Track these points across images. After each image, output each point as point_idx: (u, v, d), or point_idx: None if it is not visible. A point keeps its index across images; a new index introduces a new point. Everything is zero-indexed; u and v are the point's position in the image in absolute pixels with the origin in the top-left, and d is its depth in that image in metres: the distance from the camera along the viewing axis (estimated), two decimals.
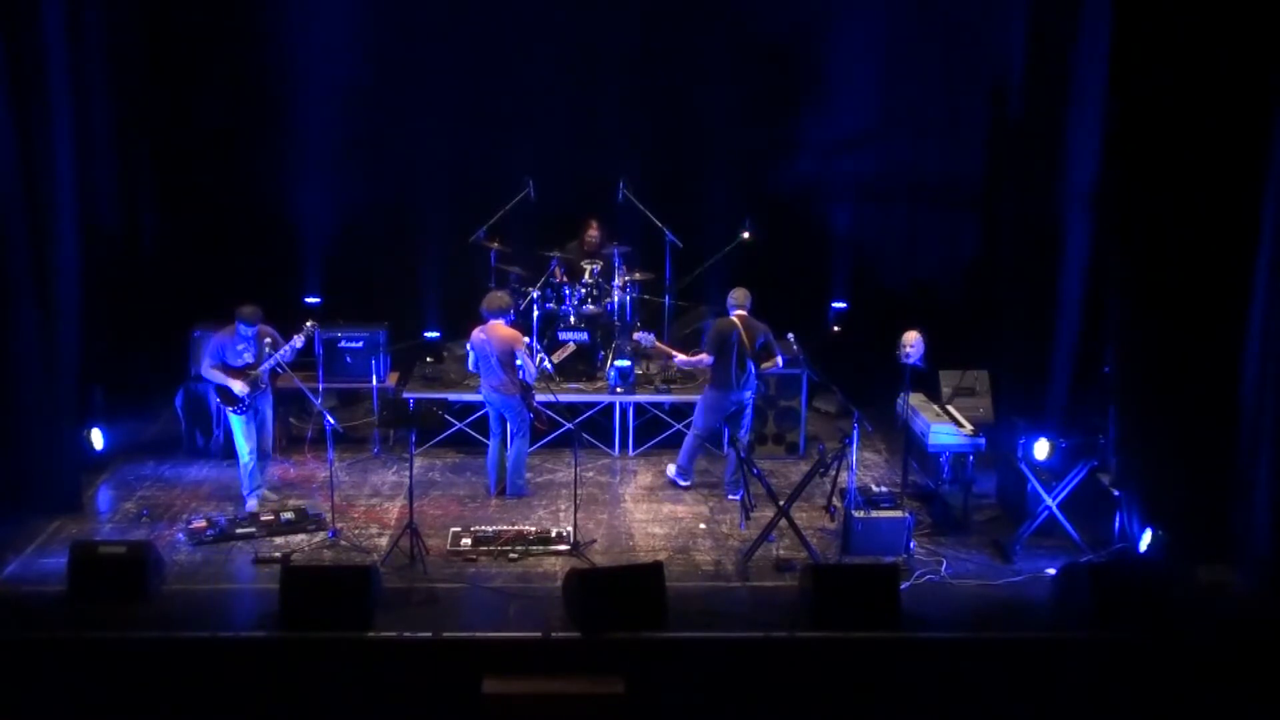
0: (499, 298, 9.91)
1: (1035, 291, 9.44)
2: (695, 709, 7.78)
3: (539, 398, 9.77)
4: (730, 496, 9.87)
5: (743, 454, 9.30)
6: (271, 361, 9.31)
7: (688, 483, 10.20)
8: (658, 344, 10.02)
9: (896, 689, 7.84)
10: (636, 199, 11.50)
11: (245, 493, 9.61)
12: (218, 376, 9.30)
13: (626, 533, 9.39)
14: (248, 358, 9.32)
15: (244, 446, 9.50)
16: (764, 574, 8.72)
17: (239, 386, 9.24)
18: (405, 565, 8.64)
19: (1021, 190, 9.79)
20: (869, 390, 10.31)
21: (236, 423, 9.43)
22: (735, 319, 9.77)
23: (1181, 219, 8.46)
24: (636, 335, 10.15)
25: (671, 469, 10.30)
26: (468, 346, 9.90)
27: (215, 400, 9.50)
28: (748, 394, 9.89)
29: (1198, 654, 7.86)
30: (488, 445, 10.09)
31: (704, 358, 9.77)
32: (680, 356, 9.97)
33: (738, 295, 9.87)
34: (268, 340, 9.36)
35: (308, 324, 9.50)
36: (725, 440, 10.27)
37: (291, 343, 9.35)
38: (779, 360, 9.95)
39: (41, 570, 8.55)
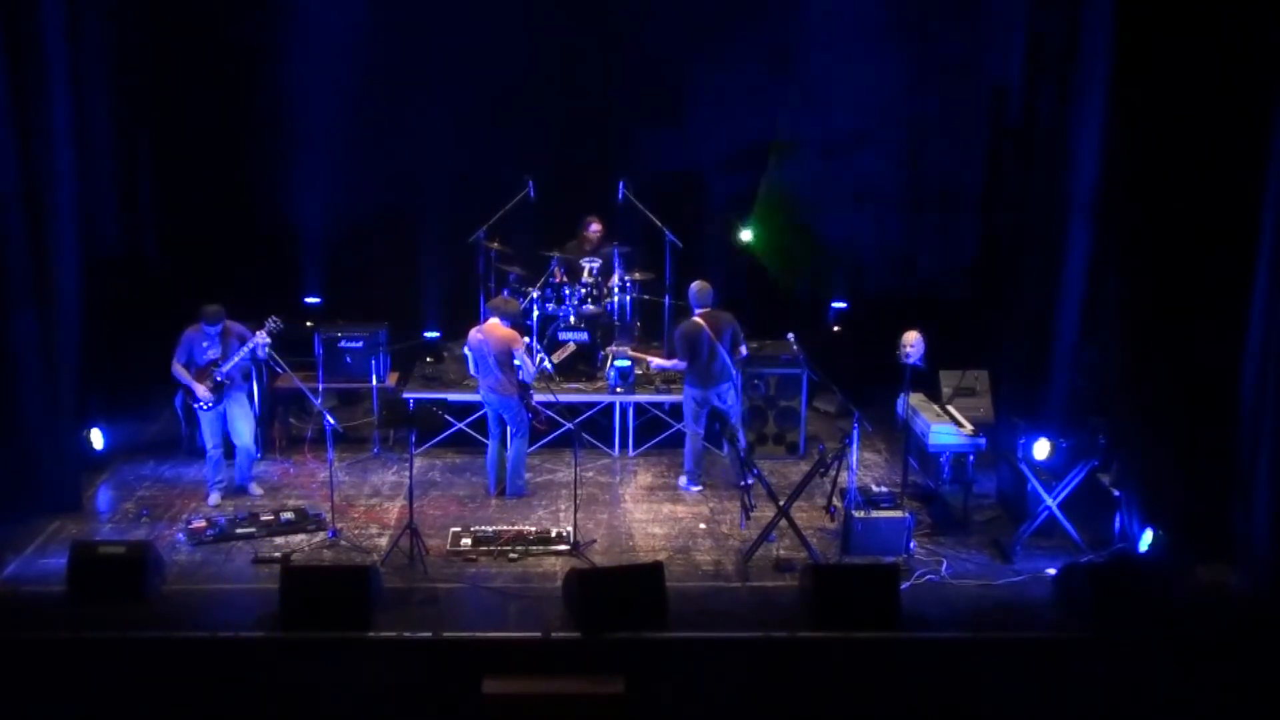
0: (509, 301, 10.02)
1: (1035, 292, 9.44)
2: (695, 709, 7.79)
3: (539, 398, 9.77)
4: (742, 484, 9.85)
5: (742, 453, 9.30)
6: (238, 358, 9.46)
7: (699, 487, 10.19)
8: (631, 352, 10.30)
9: (896, 689, 7.85)
10: (636, 199, 11.50)
11: (209, 486, 9.76)
12: (184, 376, 9.47)
13: (626, 533, 9.39)
14: (213, 354, 9.49)
15: (209, 441, 9.66)
16: (764, 574, 8.72)
17: (201, 391, 9.45)
18: (405, 565, 8.64)
19: (1021, 190, 9.80)
20: (869, 390, 10.31)
21: (203, 418, 9.60)
22: (700, 318, 9.89)
23: (1182, 218, 8.46)
24: (610, 349, 10.32)
25: (682, 480, 10.28)
26: (465, 349, 9.88)
27: (181, 396, 9.59)
28: (726, 386, 9.95)
29: (1198, 654, 7.86)
30: (487, 445, 10.09)
31: (677, 362, 9.98)
32: (656, 361, 10.32)
33: (700, 292, 9.99)
34: (257, 339, 9.43)
35: (270, 322, 9.52)
36: (725, 442, 10.27)
37: (255, 338, 9.44)
38: (742, 350, 10.10)
39: (41, 570, 8.55)
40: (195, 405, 9.57)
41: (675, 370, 10.18)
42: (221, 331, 9.45)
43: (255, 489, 9.83)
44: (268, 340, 9.46)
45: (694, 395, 10.00)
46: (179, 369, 9.49)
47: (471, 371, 9.95)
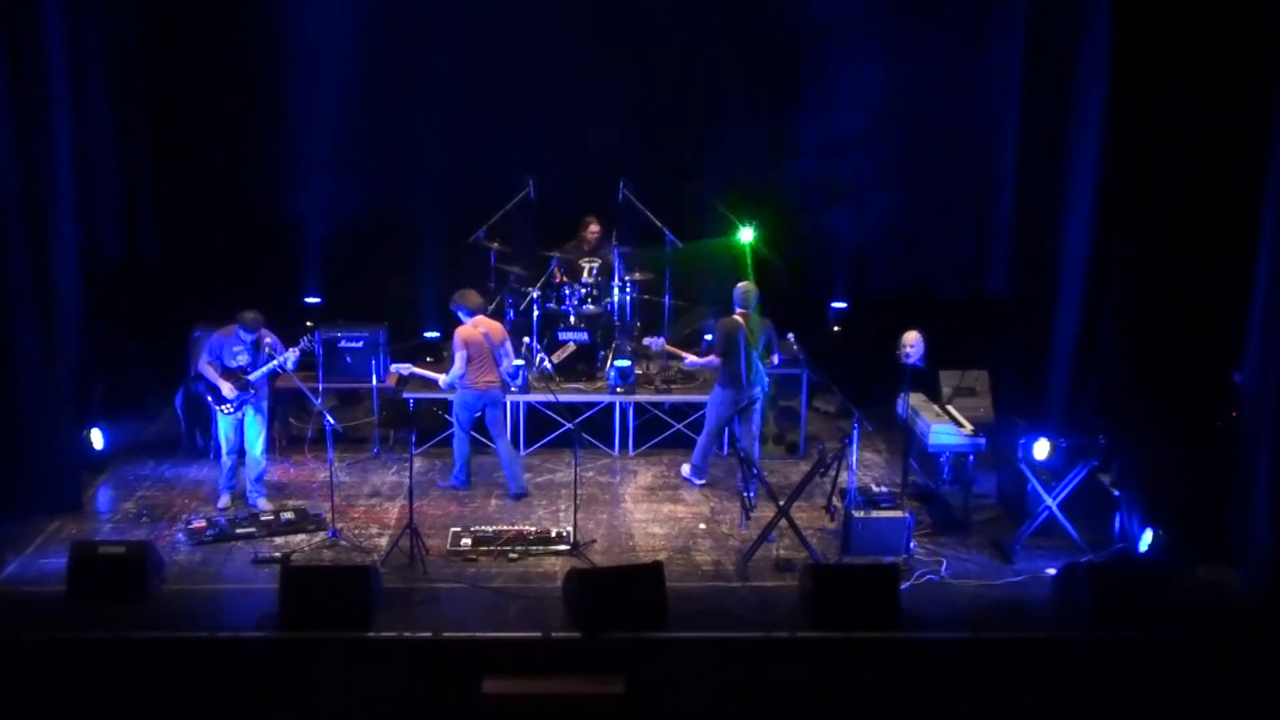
0: (471, 293, 9.93)
1: (1035, 292, 9.44)
2: (695, 709, 7.79)
3: (539, 398, 9.78)
4: (745, 493, 9.80)
5: (742, 454, 9.29)
6: (268, 368, 9.42)
7: (702, 481, 10.17)
8: (667, 346, 10.10)
9: (896, 689, 7.85)
10: (636, 199, 11.50)
11: (220, 488, 9.71)
12: (211, 374, 9.43)
13: (626, 533, 9.39)
14: (242, 360, 9.42)
15: (225, 446, 9.62)
16: (764, 574, 8.72)
17: (227, 389, 9.39)
18: (405, 565, 8.64)
19: (1022, 190, 9.80)
20: (869, 390, 10.31)
21: (222, 421, 9.54)
22: (739, 317, 9.79)
23: (1182, 218, 8.46)
24: (646, 340, 10.22)
25: (686, 468, 10.27)
26: (458, 347, 9.69)
27: (207, 396, 9.56)
28: (758, 390, 9.90)
29: (1198, 654, 7.86)
30: (456, 438, 10.01)
31: (712, 358, 9.83)
32: (690, 358, 10.11)
33: (745, 294, 9.87)
34: (267, 342, 9.40)
35: (304, 339, 9.56)
36: (726, 441, 10.27)
37: (288, 352, 9.41)
38: (774, 359, 10.01)
39: (41, 570, 8.55)
40: (217, 408, 9.49)
41: (708, 368, 10.04)
42: (256, 340, 9.40)
43: (263, 504, 9.62)
44: (298, 356, 9.46)
45: (724, 398, 9.86)
46: (207, 369, 9.44)
47: (460, 371, 9.69)
